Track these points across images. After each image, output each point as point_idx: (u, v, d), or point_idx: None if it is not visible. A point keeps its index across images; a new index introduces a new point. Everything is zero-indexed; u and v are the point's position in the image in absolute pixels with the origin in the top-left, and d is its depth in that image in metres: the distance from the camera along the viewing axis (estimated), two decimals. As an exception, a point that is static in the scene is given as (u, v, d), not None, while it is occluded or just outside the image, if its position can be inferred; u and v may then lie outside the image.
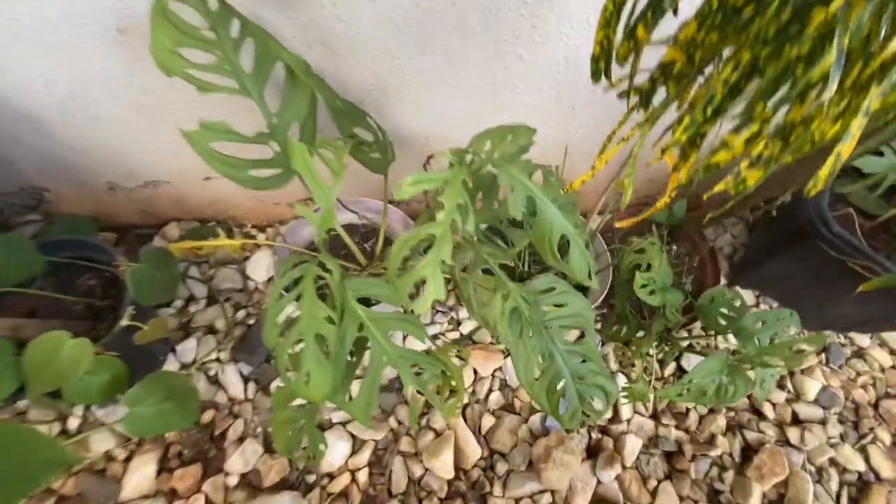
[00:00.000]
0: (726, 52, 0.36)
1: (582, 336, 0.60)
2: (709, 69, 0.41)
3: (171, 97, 0.77)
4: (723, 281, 1.07)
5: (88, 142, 0.85)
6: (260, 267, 1.05)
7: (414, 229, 0.45)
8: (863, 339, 1.12)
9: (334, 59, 0.73)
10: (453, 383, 0.68)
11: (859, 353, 1.10)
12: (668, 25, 0.42)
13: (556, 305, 0.60)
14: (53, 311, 0.77)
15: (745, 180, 0.40)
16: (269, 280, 1.05)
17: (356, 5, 0.66)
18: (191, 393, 0.72)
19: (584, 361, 0.59)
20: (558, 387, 0.59)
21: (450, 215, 0.45)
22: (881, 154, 0.90)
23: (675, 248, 1.01)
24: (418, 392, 0.94)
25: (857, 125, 0.31)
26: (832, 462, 0.95)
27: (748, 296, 1.14)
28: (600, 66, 0.40)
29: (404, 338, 1.00)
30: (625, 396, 0.87)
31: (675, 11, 0.40)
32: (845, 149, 0.32)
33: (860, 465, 0.95)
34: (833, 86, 0.30)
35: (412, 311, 1.06)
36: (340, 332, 0.51)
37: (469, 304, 0.50)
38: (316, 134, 0.64)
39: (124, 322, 0.67)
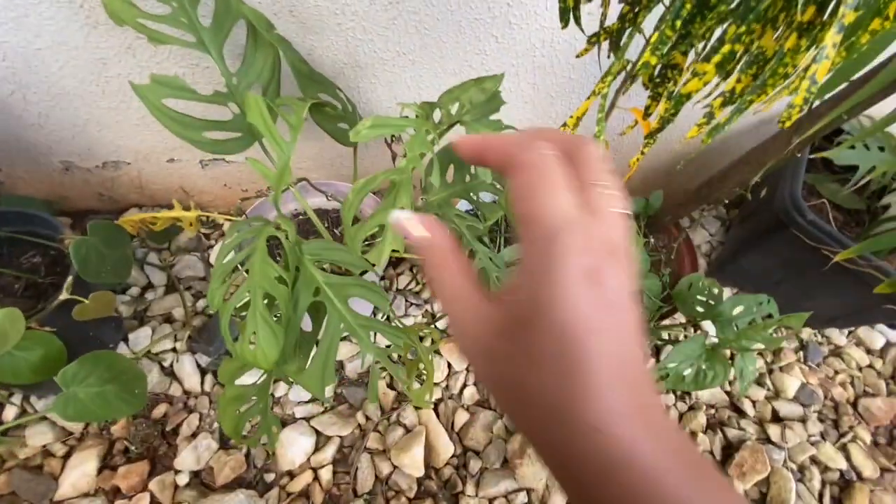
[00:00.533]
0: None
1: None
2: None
3: (130, 68, 0.74)
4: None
5: (42, 115, 0.80)
6: (225, 255, 1.00)
7: (371, 175, 0.42)
8: (840, 338, 1.11)
9: (304, 31, 0.71)
10: (422, 367, 0.64)
11: (836, 352, 1.10)
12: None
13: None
14: (-10, 289, 0.71)
15: (720, 124, 0.38)
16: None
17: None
18: (137, 376, 0.66)
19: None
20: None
21: (411, 163, 0.42)
22: (852, 147, 0.91)
23: (651, 240, 0.99)
24: (394, 382, 0.90)
25: (832, 41, 0.29)
26: (813, 460, 0.93)
27: (726, 293, 1.12)
28: (568, 5, 0.38)
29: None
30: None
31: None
32: (820, 69, 0.30)
33: (842, 464, 0.92)
34: (805, -6, 0.28)
35: (384, 281, 1.01)
36: (293, 295, 0.47)
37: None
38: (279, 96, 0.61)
39: (63, 296, 0.62)
